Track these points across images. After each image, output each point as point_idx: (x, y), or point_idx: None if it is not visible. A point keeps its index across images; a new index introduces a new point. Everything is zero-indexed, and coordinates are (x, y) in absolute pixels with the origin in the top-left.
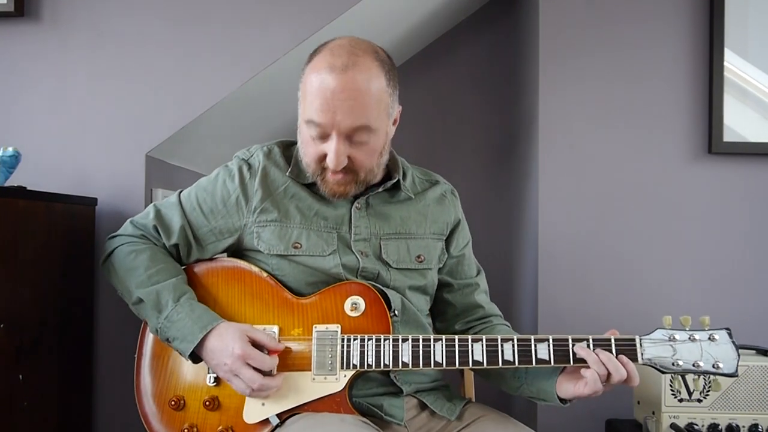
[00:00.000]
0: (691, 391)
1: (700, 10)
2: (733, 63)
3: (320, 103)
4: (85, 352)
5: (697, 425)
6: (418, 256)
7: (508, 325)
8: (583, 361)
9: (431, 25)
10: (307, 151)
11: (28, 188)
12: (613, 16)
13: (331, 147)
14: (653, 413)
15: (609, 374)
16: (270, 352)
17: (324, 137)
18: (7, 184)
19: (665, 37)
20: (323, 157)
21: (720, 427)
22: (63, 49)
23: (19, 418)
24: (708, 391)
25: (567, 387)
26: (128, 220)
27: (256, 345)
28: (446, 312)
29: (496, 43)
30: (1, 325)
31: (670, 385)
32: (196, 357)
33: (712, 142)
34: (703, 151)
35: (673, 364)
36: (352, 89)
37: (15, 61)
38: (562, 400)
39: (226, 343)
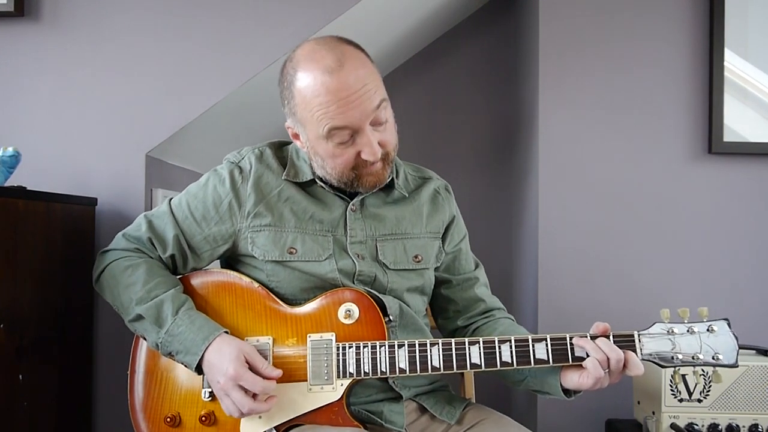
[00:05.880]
0: (692, 390)
1: (700, 11)
2: (733, 63)
3: (338, 106)
4: (85, 352)
5: (697, 425)
6: (416, 256)
7: (512, 318)
8: (582, 359)
9: (431, 24)
10: (336, 163)
11: (28, 188)
12: (612, 16)
13: (365, 140)
14: (653, 413)
15: (608, 358)
16: (265, 378)
17: (353, 136)
18: (7, 184)
19: (665, 37)
20: (356, 157)
21: (720, 427)
22: (63, 49)
23: (19, 418)
24: (709, 387)
25: (572, 377)
26: (119, 234)
27: (253, 368)
28: (447, 309)
29: (496, 43)
30: (1, 326)
31: (671, 385)
32: (201, 368)
33: (712, 142)
34: (703, 151)
35: (672, 358)
36: (358, 75)
37: (15, 61)
38: (567, 393)
39: (222, 360)
